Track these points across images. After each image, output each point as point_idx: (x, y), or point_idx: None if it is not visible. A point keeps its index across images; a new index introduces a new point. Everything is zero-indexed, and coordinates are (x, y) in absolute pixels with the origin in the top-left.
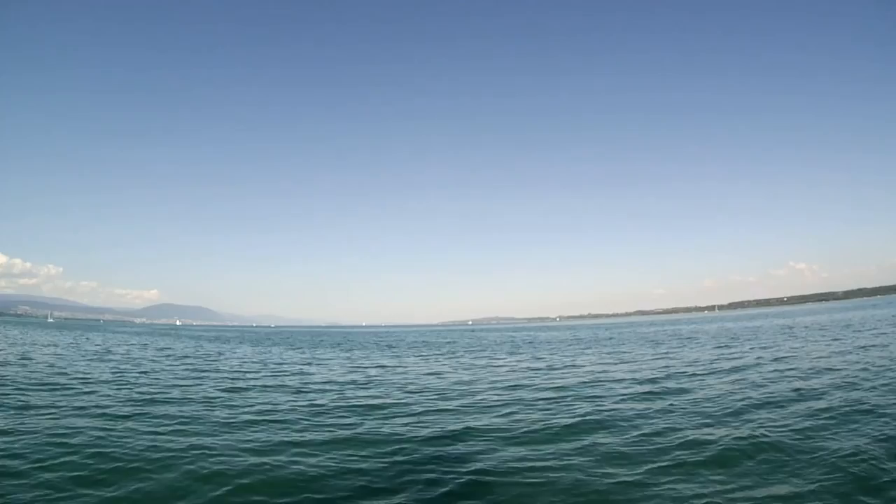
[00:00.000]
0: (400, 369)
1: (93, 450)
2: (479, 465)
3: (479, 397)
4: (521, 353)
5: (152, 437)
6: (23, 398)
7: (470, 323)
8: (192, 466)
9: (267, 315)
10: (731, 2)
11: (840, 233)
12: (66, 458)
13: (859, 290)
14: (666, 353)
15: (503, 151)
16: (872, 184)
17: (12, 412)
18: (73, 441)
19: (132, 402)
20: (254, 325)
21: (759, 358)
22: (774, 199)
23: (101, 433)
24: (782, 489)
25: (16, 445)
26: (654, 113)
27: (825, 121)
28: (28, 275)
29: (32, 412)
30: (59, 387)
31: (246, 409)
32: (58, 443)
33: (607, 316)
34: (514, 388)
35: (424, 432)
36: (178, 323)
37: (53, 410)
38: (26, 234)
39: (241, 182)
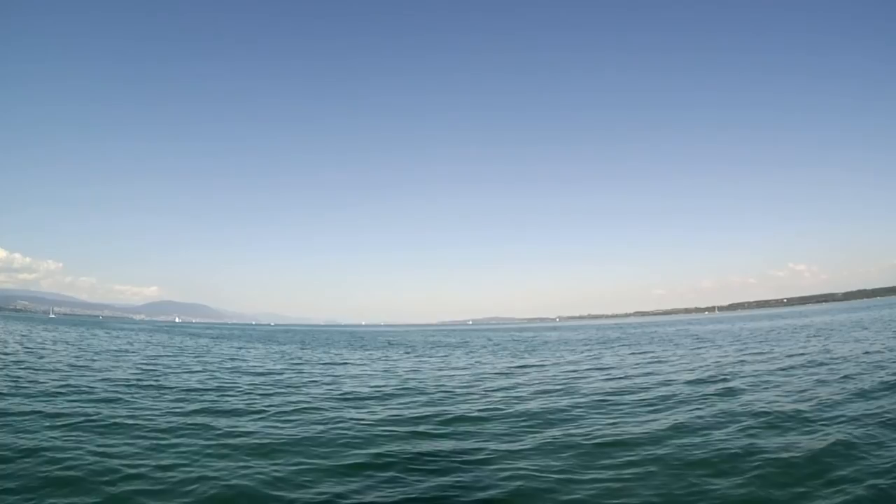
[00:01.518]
0: (432, 372)
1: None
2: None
3: (534, 404)
4: (540, 354)
5: (238, 469)
6: (54, 406)
7: (470, 322)
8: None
9: (266, 313)
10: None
11: (839, 234)
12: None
13: (859, 291)
14: (687, 354)
15: (501, 150)
16: (872, 185)
17: (47, 420)
18: (138, 473)
19: (178, 413)
20: (253, 322)
21: (790, 356)
22: (774, 200)
23: (170, 455)
24: None
25: (76, 474)
26: (654, 112)
27: (825, 120)
28: (28, 270)
29: (77, 427)
30: (85, 392)
31: (303, 420)
32: (120, 473)
33: (607, 316)
34: (560, 391)
35: (508, 442)
36: (177, 320)
37: (93, 422)
38: (26, 228)
39: (241, 179)
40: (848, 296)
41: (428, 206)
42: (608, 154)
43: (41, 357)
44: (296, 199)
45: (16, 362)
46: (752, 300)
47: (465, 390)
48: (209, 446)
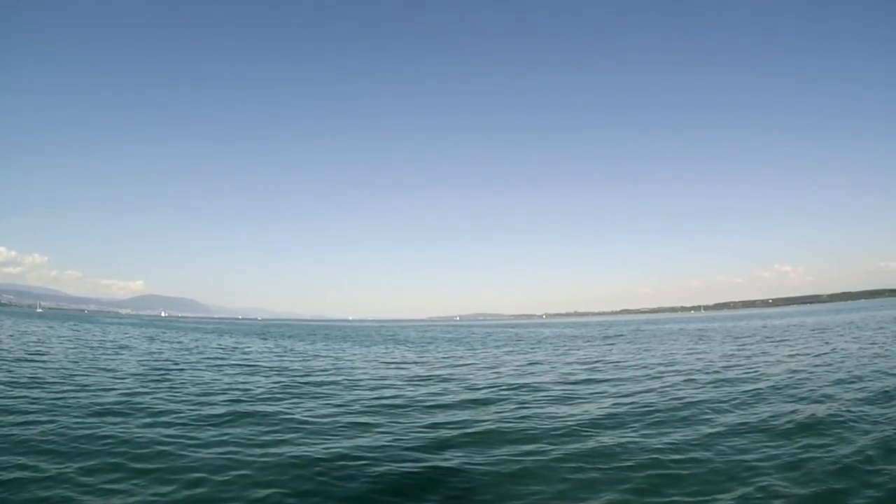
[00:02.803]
0: (457, 368)
1: None
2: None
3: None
4: (546, 350)
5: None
6: (79, 414)
7: (457, 318)
8: None
9: (252, 307)
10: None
11: (826, 236)
12: None
13: (844, 293)
14: (695, 350)
15: (489, 148)
16: (859, 188)
17: (76, 427)
18: None
19: (216, 419)
20: (240, 317)
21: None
22: (761, 201)
23: (227, 471)
24: None
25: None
26: (643, 113)
27: (814, 122)
28: (13, 263)
29: (117, 433)
30: (94, 389)
31: (352, 425)
32: None
33: (593, 314)
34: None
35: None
36: (163, 314)
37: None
38: (11, 222)
39: (228, 175)
40: (833, 297)
41: (415, 205)
42: (598, 154)
43: (43, 354)
44: (283, 196)
45: (16, 360)
46: (738, 300)
47: (509, 388)
48: (267, 460)
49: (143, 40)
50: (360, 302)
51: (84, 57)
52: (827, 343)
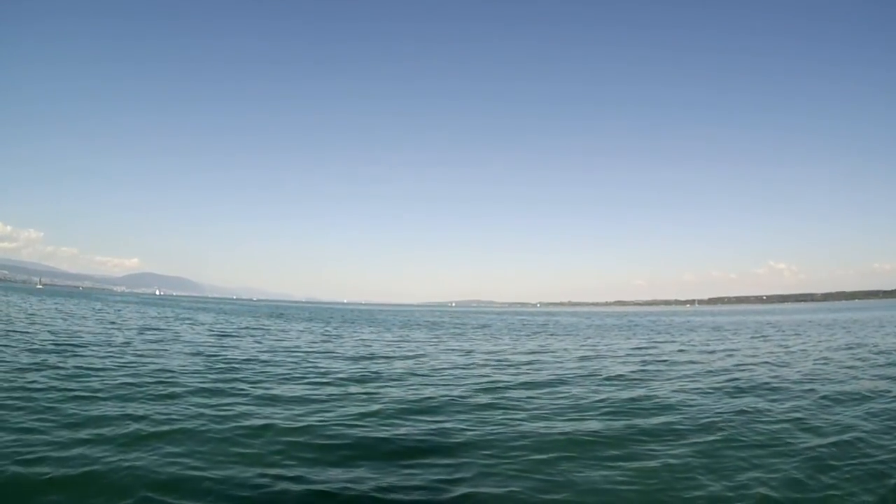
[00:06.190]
0: (512, 356)
1: None
2: None
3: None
4: (567, 338)
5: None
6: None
7: (453, 304)
8: None
9: (246, 288)
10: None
11: (820, 236)
12: None
13: (838, 293)
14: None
15: (485, 136)
16: (855, 189)
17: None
18: None
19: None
20: (234, 297)
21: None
22: (756, 197)
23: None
24: None
25: None
26: (641, 107)
27: (812, 122)
28: (8, 238)
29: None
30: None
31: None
32: None
33: (588, 304)
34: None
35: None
36: (158, 293)
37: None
38: (7, 197)
39: (223, 155)
40: (827, 297)
41: (407, 191)
42: (595, 146)
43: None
44: (275, 178)
45: (56, 346)
46: (731, 295)
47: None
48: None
49: (143, 15)
50: (352, 285)
51: (83, 31)
52: None
